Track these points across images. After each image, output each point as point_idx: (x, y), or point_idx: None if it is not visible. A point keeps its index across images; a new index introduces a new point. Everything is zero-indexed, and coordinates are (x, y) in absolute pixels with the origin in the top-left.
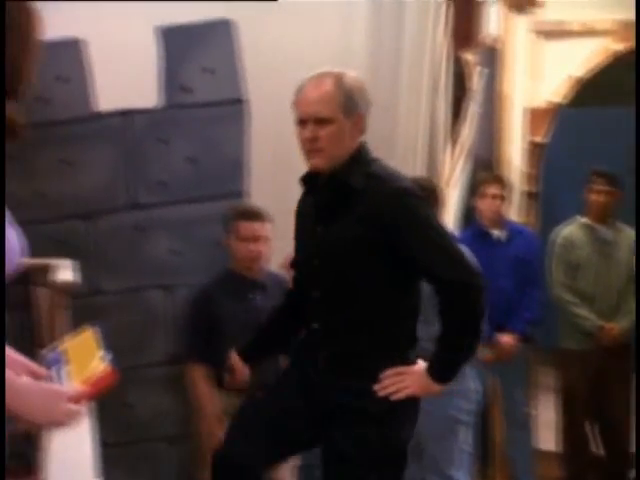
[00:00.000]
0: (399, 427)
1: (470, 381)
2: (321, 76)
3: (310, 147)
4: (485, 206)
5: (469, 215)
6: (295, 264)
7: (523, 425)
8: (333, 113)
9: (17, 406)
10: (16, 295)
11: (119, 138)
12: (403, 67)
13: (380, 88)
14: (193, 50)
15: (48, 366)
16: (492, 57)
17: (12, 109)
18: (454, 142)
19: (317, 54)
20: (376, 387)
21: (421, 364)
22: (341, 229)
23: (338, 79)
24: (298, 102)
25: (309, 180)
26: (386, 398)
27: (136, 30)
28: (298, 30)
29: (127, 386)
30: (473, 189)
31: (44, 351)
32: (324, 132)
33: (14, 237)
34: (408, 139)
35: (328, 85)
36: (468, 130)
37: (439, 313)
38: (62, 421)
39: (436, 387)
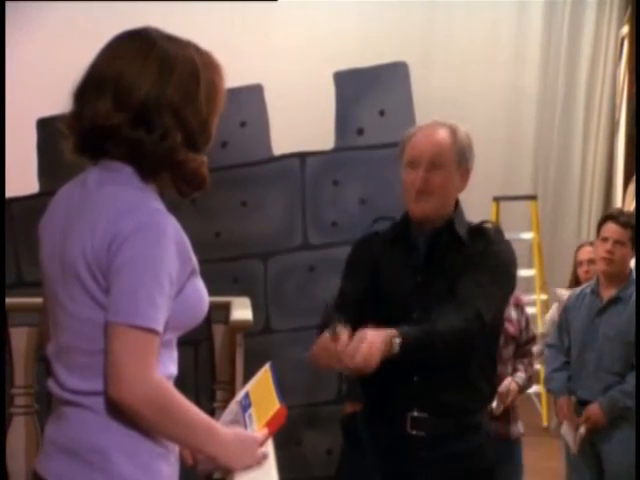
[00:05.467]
0: None
1: None
2: (436, 125)
3: (420, 187)
4: None
5: None
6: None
7: None
8: (447, 160)
9: (221, 455)
10: (199, 332)
11: (294, 180)
12: (578, 104)
13: (553, 126)
14: (368, 93)
15: (243, 411)
16: None
17: (202, 163)
18: (630, 180)
19: (488, 94)
20: None
21: None
22: (445, 282)
23: (453, 131)
24: (411, 146)
25: (396, 229)
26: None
27: (312, 74)
28: (470, 70)
29: (299, 424)
30: None
31: (239, 397)
32: (437, 177)
33: (203, 285)
34: (584, 177)
35: (444, 134)
36: None
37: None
38: (254, 465)
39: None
